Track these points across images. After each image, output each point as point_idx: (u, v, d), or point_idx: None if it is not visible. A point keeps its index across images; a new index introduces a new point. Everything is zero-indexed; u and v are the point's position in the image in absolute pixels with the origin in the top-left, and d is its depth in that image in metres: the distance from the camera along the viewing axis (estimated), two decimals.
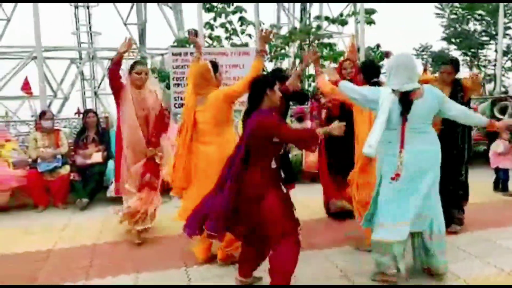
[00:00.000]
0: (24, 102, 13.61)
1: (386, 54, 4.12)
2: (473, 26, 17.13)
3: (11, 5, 14.18)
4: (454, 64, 4.31)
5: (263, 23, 10.75)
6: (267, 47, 3.77)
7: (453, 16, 17.39)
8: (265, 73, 4.52)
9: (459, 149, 4.26)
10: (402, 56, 3.20)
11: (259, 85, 2.95)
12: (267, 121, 2.84)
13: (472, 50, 17.10)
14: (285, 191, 3.01)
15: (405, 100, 3.07)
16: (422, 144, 3.12)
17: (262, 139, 2.85)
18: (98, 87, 18.47)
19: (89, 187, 5.75)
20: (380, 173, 3.23)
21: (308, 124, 7.14)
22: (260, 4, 10.69)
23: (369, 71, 3.98)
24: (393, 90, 3.10)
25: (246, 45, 10.77)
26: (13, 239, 4.45)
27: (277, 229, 2.80)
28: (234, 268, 3.47)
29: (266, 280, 3.01)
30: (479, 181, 5.45)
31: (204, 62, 3.68)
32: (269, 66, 11.50)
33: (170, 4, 15.74)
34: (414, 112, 3.07)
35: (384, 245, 3.11)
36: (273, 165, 2.92)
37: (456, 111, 3.25)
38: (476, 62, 17.38)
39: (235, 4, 10.84)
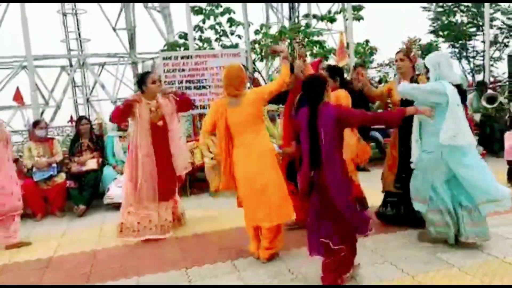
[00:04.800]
0: (16, 112, 13.55)
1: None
2: (460, 17, 17.27)
3: (0, 14, 14.10)
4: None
5: (252, 23, 10.80)
6: (286, 50, 3.83)
7: (439, 9, 17.53)
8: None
9: None
10: (443, 54, 3.64)
11: (319, 84, 3.10)
12: (344, 108, 3.22)
13: (460, 41, 17.24)
14: None
15: (462, 92, 3.47)
16: None
17: (341, 129, 3.02)
18: (90, 94, 18.42)
19: (85, 194, 5.77)
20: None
21: None
22: (248, 4, 10.70)
23: (333, 72, 4.25)
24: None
25: (236, 46, 10.81)
26: (14, 249, 4.45)
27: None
28: (236, 268, 3.53)
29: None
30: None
31: (236, 63, 3.77)
32: (260, 66, 11.58)
33: (158, 8, 15.72)
34: None
35: None
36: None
37: None
38: (464, 54, 17.53)
39: (223, 6, 10.87)
